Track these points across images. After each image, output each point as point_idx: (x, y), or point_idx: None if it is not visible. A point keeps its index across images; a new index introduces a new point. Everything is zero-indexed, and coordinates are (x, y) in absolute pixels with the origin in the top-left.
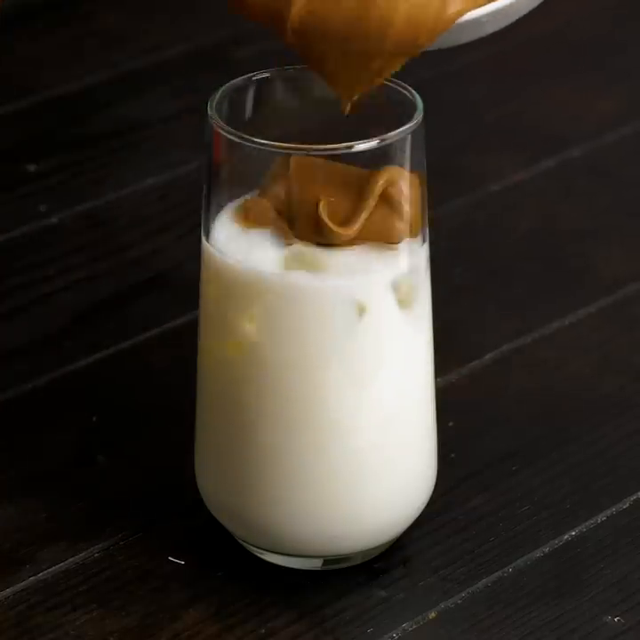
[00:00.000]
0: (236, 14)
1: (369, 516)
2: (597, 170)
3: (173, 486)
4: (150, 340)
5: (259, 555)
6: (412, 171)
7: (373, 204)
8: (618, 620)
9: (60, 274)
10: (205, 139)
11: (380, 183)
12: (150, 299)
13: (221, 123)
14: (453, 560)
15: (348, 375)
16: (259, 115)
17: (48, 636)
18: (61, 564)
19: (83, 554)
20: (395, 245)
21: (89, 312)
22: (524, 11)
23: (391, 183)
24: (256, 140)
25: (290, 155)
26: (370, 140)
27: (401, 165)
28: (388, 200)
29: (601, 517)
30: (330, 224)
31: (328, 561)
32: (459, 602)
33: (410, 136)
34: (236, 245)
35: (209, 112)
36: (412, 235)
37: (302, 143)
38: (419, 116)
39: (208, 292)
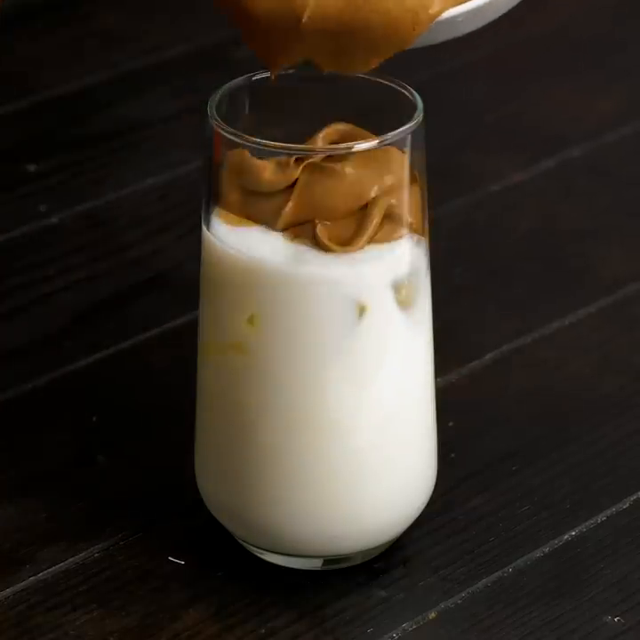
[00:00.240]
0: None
1: (369, 515)
2: (597, 170)
3: (173, 486)
4: (150, 339)
5: (259, 555)
6: (411, 171)
7: (378, 221)
8: (618, 620)
9: (60, 274)
10: (205, 139)
11: (383, 200)
12: (150, 299)
13: (221, 123)
14: (453, 560)
15: (349, 375)
16: (259, 115)
17: (48, 636)
18: (61, 564)
19: (83, 554)
20: (395, 246)
21: (89, 312)
22: (500, 11)
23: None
24: (256, 139)
25: (290, 155)
26: (370, 139)
27: (401, 165)
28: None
29: (601, 517)
30: (331, 245)
31: (328, 561)
32: (459, 602)
33: (410, 136)
34: (237, 237)
35: (209, 112)
36: (412, 235)
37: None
38: (419, 116)
39: (208, 288)
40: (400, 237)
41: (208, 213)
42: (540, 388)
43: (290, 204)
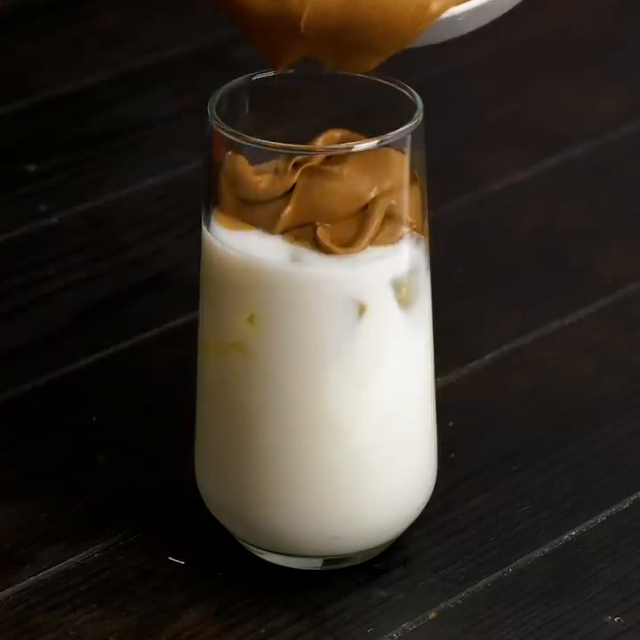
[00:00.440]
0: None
1: (369, 515)
2: (599, 169)
3: (173, 486)
4: (150, 339)
5: (259, 555)
6: (411, 171)
7: (379, 222)
8: (618, 620)
9: (60, 274)
10: (205, 139)
11: (383, 201)
12: (150, 299)
13: (221, 123)
14: (453, 560)
15: (348, 375)
16: (259, 115)
17: (48, 636)
18: (61, 563)
19: (83, 554)
20: (395, 246)
21: (89, 312)
22: (502, 10)
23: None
24: (256, 139)
25: (290, 155)
26: (370, 139)
27: (401, 166)
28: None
29: (601, 517)
30: (332, 247)
31: (328, 561)
32: (459, 602)
33: (410, 136)
34: (237, 238)
35: (209, 112)
36: (413, 235)
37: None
38: (419, 116)
39: (208, 288)
40: (400, 237)
41: (208, 214)
42: (539, 388)
43: (288, 209)
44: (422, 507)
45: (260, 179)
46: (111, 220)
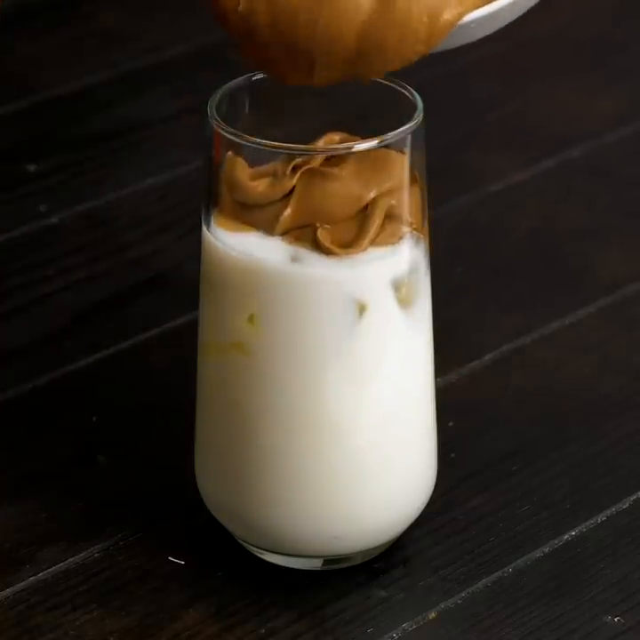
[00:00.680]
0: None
1: (369, 515)
2: (598, 170)
3: (173, 486)
4: (150, 339)
5: (259, 555)
6: (411, 171)
7: (379, 223)
8: (618, 620)
9: (60, 274)
10: (205, 139)
11: (383, 201)
12: (150, 299)
13: (221, 123)
14: (453, 560)
15: (348, 374)
16: (259, 115)
17: (48, 636)
18: (61, 563)
19: (83, 554)
20: (395, 246)
21: (89, 312)
22: (513, 16)
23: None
24: (256, 139)
25: (290, 155)
26: (370, 139)
27: (401, 166)
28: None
29: (601, 517)
30: (333, 248)
31: (328, 561)
32: (459, 602)
33: (410, 136)
34: (237, 239)
35: (209, 112)
36: (413, 235)
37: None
38: (419, 116)
39: (208, 288)
40: (400, 237)
41: (208, 214)
42: (539, 388)
43: (288, 211)
44: (422, 507)
45: (257, 183)
46: (111, 220)
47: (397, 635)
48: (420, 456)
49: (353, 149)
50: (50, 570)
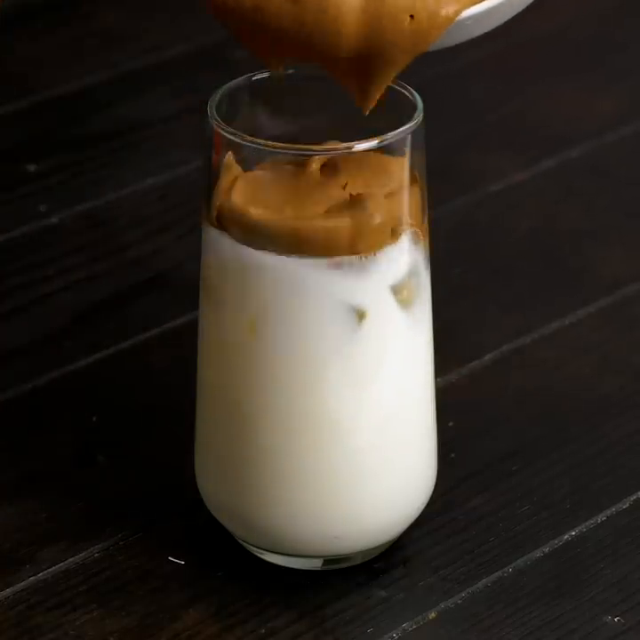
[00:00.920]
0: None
1: (369, 515)
2: (598, 170)
3: (173, 486)
4: (150, 339)
5: (259, 555)
6: (411, 171)
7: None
8: (618, 620)
9: (60, 274)
10: (205, 139)
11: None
12: (150, 299)
13: (221, 123)
14: (453, 560)
15: (349, 376)
16: (259, 115)
17: (48, 636)
18: (61, 563)
19: (83, 554)
20: (395, 247)
21: (89, 312)
22: (510, 13)
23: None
24: (256, 139)
25: (290, 155)
26: (370, 139)
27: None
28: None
29: (601, 517)
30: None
31: (328, 561)
32: (459, 602)
33: (410, 136)
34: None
35: (209, 112)
36: (413, 236)
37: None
38: (419, 116)
39: (208, 288)
40: (400, 238)
41: (208, 214)
42: (539, 388)
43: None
44: (422, 507)
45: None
46: (111, 220)
47: (397, 635)
48: (420, 456)
49: (353, 149)
50: (50, 570)
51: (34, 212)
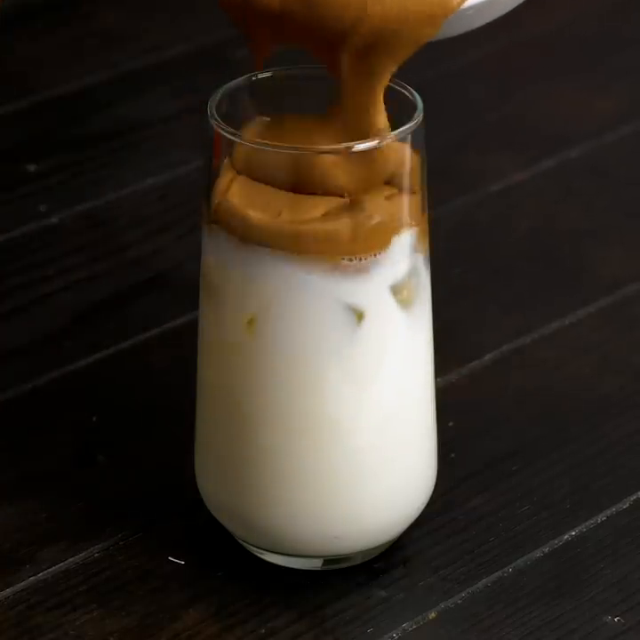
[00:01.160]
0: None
1: (369, 515)
2: (597, 170)
3: (173, 486)
4: (150, 339)
5: (259, 555)
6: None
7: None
8: (618, 620)
9: (60, 274)
10: (205, 139)
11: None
12: (150, 299)
13: (221, 123)
14: (453, 560)
15: (349, 376)
16: (259, 115)
17: (48, 636)
18: (61, 563)
19: (83, 554)
20: (395, 247)
21: (89, 312)
22: (510, 6)
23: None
24: (256, 139)
25: (289, 155)
26: (370, 139)
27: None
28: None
29: (601, 517)
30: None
31: (328, 561)
32: (459, 602)
33: (410, 136)
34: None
35: (209, 112)
36: (413, 236)
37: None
38: (419, 116)
39: (208, 288)
40: (400, 239)
41: (208, 214)
42: (539, 388)
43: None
44: (422, 507)
45: (255, 214)
46: (111, 220)
47: (397, 635)
48: (420, 456)
49: (353, 149)
50: (50, 570)
51: (34, 211)
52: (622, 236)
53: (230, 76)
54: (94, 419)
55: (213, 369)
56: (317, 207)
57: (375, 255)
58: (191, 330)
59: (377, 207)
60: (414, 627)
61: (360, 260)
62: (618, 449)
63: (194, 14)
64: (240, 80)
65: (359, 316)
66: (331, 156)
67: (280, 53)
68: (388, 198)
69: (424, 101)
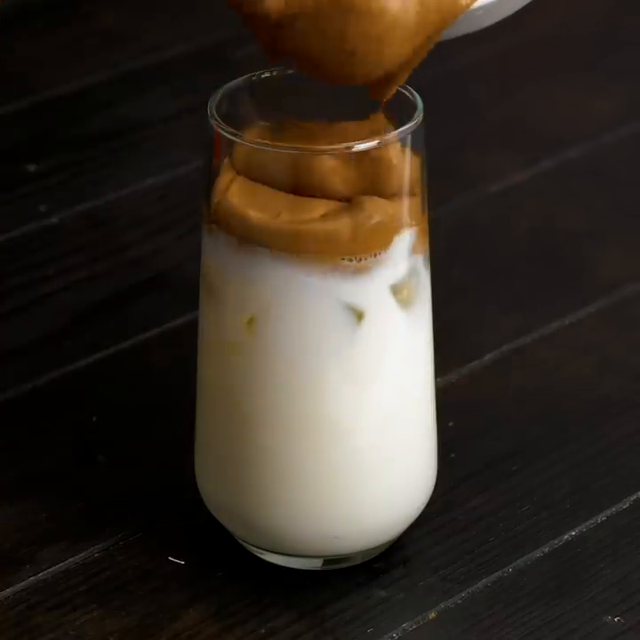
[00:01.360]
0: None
1: (369, 515)
2: (596, 170)
3: (173, 486)
4: (150, 339)
5: (259, 555)
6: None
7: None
8: (618, 620)
9: (60, 274)
10: (205, 139)
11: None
12: (150, 299)
13: (221, 123)
14: (453, 560)
15: (349, 376)
16: (259, 115)
17: (48, 636)
18: (61, 563)
19: (83, 554)
20: (395, 248)
21: (89, 312)
22: (519, 5)
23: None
24: (256, 139)
25: (290, 155)
26: (370, 139)
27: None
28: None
29: (601, 517)
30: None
31: (328, 561)
32: (459, 602)
33: (410, 136)
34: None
35: (209, 112)
36: (412, 236)
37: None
38: (419, 116)
39: (208, 288)
40: (400, 239)
41: (208, 214)
42: (539, 388)
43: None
44: (422, 507)
45: (255, 213)
46: (111, 220)
47: (397, 635)
48: (420, 456)
49: (353, 149)
50: (50, 570)
51: (34, 212)
52: (622, 237)
53: (230, 76)
54: (94, 419)
55: (213, 369)
56: (317, 208)
57: (375, 255)
58: (191, 330)
59: (377, 207)
60: (414, 627)
61: (360, 260)
62: (618, 449)
63: (194, 14)
64: (240, 80)
65: (359, 316)
66: (330, 162)
67: None
68: (388, 198)
69: (424, 101)
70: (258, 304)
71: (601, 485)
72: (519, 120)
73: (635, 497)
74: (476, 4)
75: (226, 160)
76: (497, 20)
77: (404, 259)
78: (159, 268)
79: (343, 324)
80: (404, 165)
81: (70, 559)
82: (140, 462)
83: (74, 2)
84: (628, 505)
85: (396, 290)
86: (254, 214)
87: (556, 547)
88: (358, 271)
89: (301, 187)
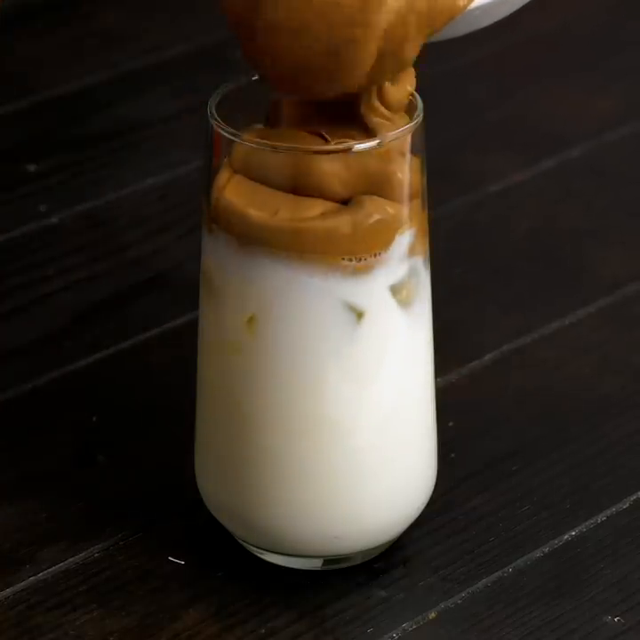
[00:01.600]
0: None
1: (369, 515)
2: (597, 170)
3: (173, 486)
4: (150, 339)
5: (259, 555)
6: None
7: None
8: (618, 620)
9: (60, 274)
10: (205, 139)
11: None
12: (150, 299)
13: (221, 123)
14: (453, 560)
15: (349, 376)
16: (259, 115)
17: (48, 636)
18: (61, 563)
19: (83, 554)
20: (394, 248)
21: (89, 312)
22: (517, 5)
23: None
24: (256, 139)
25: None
26: (370, 139)
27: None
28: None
29: (601, 517)
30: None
31: (328, 561)
32: (459, 602)
33: (410, 136)
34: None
35: (209, 112)
36: (412, 236)
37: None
38: (419, 116)
39: (207, 288)
40: (400, 238)
41: (208, 214)
42: (539, 388)
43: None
44: (422, 507)
45: (254, 212)
46: (111, 220)
47: (397, 635)
48: (420, 456)
49: (353, 149)
50: (50, 570)
51: (34, 211)
52: (622, 236)
53: (230, 76)
54: (94, 419)
55: (213, 369)
56: (315, 207)
57: (375, 255)
58: (191, 330)
59: (377, 206)
60: (414, 627)
61: (360, 259)
62: (618, 449)
63: (194, 14)
64: (240, 80)
65: (359, 315)
66: (328, 163)
67: None
68: (388, 199)
69: (424, 101)
70: (258, 304)
71: (601, 485)
72: (519, 120)
73: (635, 497)
74: (473, 5)
75: (225, 160)
76: (495, 20)
77: (404, 259)
78: (159, 268)
79: (343, 323)
80: (404, 166)
81: (70, 559)
82: (140, 462)
83: (74, 2)
84: (627, 505)
85: (395, 290)
86: (254, 212)
87: (555, 547)
88: (358, 271)
89: (300, 187)
